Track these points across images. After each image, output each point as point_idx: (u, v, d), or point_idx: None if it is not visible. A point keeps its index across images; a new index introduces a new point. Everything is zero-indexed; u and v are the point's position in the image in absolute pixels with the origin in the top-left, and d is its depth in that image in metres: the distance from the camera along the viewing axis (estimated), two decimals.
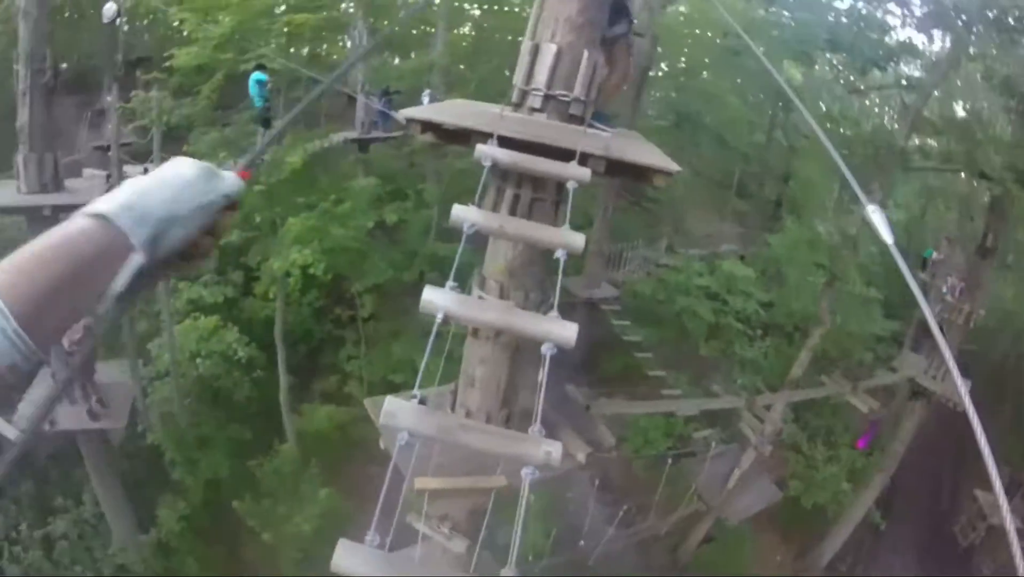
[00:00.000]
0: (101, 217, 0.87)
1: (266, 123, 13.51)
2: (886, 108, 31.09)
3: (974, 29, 12.54)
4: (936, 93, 15.29)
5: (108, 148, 11.67)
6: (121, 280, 0.88)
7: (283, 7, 12.75)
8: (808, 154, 23.61)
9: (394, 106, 17.23)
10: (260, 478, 11.91)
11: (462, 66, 25.80)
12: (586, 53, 4.44)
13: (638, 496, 14.82)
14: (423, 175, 16.82)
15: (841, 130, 19.82)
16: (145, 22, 20.78)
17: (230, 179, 1.05)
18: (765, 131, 25.28)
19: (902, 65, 17.39)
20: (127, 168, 10.62)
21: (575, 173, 3.34)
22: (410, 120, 4.01)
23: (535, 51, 4.52)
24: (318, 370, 15.31)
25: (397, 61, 28.97)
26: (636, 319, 16.91)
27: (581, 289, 15.20)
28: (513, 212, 4.39)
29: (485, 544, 5.12)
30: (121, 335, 11.61)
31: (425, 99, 18.18)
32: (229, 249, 13.85)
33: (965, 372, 15.67)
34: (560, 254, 3.13)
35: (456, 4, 22.83)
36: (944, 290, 19.71)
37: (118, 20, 9.59)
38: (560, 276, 3.09)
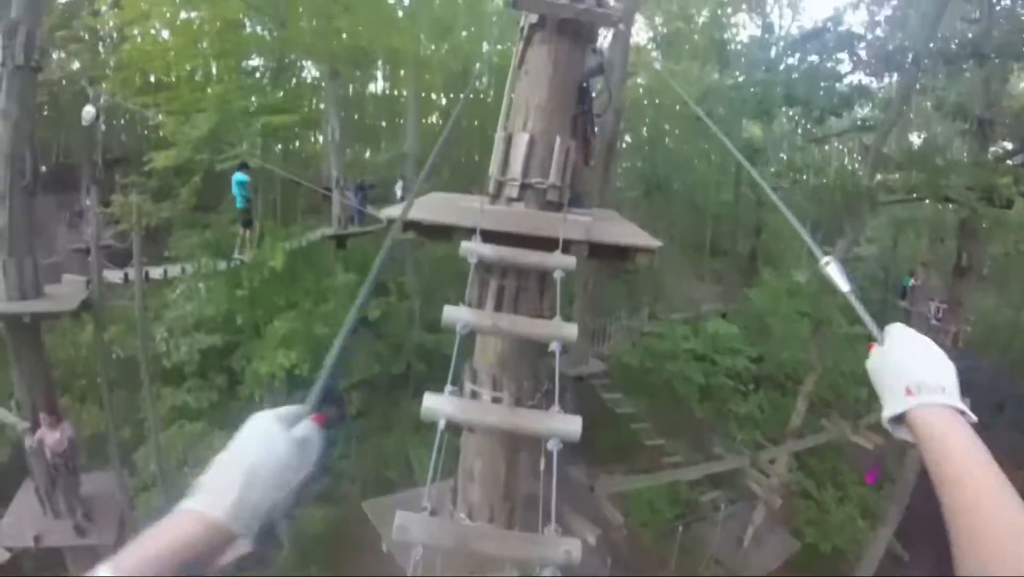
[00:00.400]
0: (214, 522, 0.95)
1: (247, 223, 13.70)
2: (845, 151, 32.35)
3: (921, 64, 13.14)
4: (892, 130, 15.88)
5: (88, 251, 11.68)
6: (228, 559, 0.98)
7: (257, 109, 13.08)
8: (775, 206, 24.19)
9: (369, 199, 17.55)
10: None
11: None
12: (558, 139, 4.57)
13: (651, 569, 14.32)
14: (402, 267, 16.96)
15: (805, 178, 20.48)
16: (123, 121, 21.17)
17: (312, 441, 1.13)
18: (732, 189, 25.98)
19: (857, 108, 18.14)
20: (107, 273, 10.55)
21: (561, 262, 3.38)
22: (391, 220, 4.04)
23: (508, 140, 4.65)
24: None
25: (368, 154, 29.77)
26: (627, 391, 16.83)
27: (569, 368, 15.12)
28: (499, 303, 4.40)
29: None
30: (105, 446, 11.29)
31: (398, 191, 18.57)
32: (212, 352, 13.70)
33: (961, 393, 15.69)
34: (555, 346, 3.11)
35: (424, 95, 23.66)
36: (928, 315, 19.98)
37: (98, 121, 9.71)
38: (557, 369, 3.01)
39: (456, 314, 3.24)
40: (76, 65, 13.49)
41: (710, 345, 17.20)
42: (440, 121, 31.21)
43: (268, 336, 11.09)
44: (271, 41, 12.82)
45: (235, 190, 13.47)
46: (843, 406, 15.98)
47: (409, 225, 4.06)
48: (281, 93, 16.86)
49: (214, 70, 16.34)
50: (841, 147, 31.36)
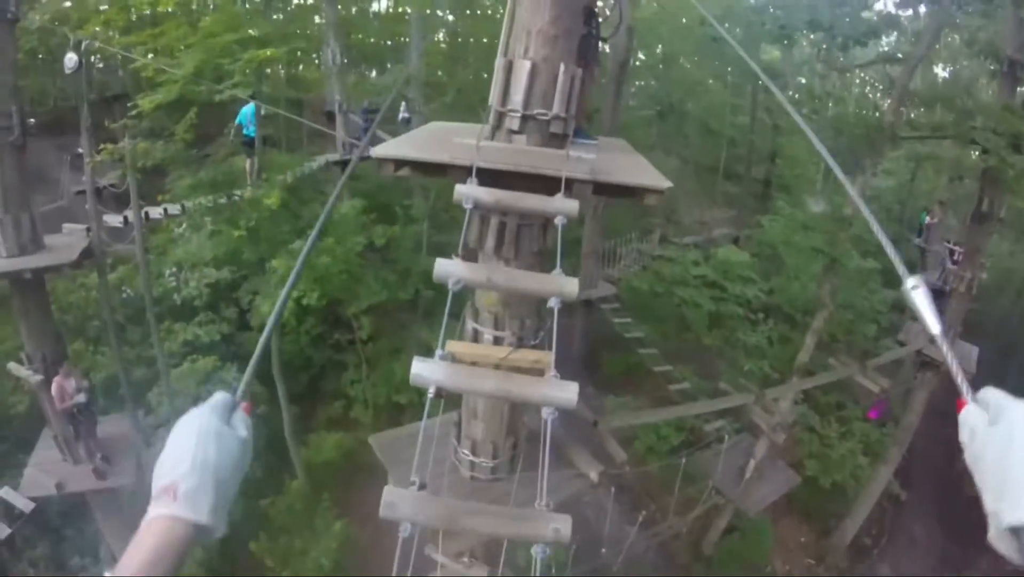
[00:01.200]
0: (202, 526, 1.07)
1: (250, 151, 13.65)
2: (868, 82, 31.06)
3: None
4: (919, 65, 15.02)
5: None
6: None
7: (248, 39, 12.39)
8: (793, 132, 23.54)
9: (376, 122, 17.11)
10: (273, 517, 11.69)
11: (440, 72, 25.75)
12: (562, 67, 4.21)
13: (655, 496, 14.72)
14: (409, 189, 16.65)
15: (830, 106, 19.67)
16: (119, 59, 20.57)
17: (249, 431, 1.28)
18: (748, 113, 25.15)
19: (884, 39, 17.23)
20: (106, 217, 10.47)
21: (563, 207, 3.17)
22: (380, 160, 3.83)
23: (509, 68, 4.29)
24: (322, 397, 15.13)
25: (374, 74, 28.88)
26: (636, 315, 16.80)
27: (579, 291, 15.07)
28: (500, 241, 4.22)
29: (505, 566, 5.02)
30: (119, 388, 11.48)
31: (403, 114, 18.11)
32: (221, 286, 13.71)
33: (971, 336, 15.64)
34: (554, 302, 2.93)
35: (428, 12, 22.65)
36: (943, 256, 19.62)
37: (82, 68, 9.39)
38: (555, 327, 2.80)
39: (448, 268, 3.05)
40: (67, 3, 12.75)
41: (721, 272, 17.05)
42: (446, 39, 30.16)
43: (269, 273, 11.01)
44: None
45: (243, 119, 13.39)
46: (851, 342, 15.94)
47: (400, 163, 3.85)
48: (279, 16, 16.15)
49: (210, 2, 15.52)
50: (865, 77, 30.09)
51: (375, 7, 26.09)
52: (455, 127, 5.29)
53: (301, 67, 26.35)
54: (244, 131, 13.57)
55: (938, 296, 18.74)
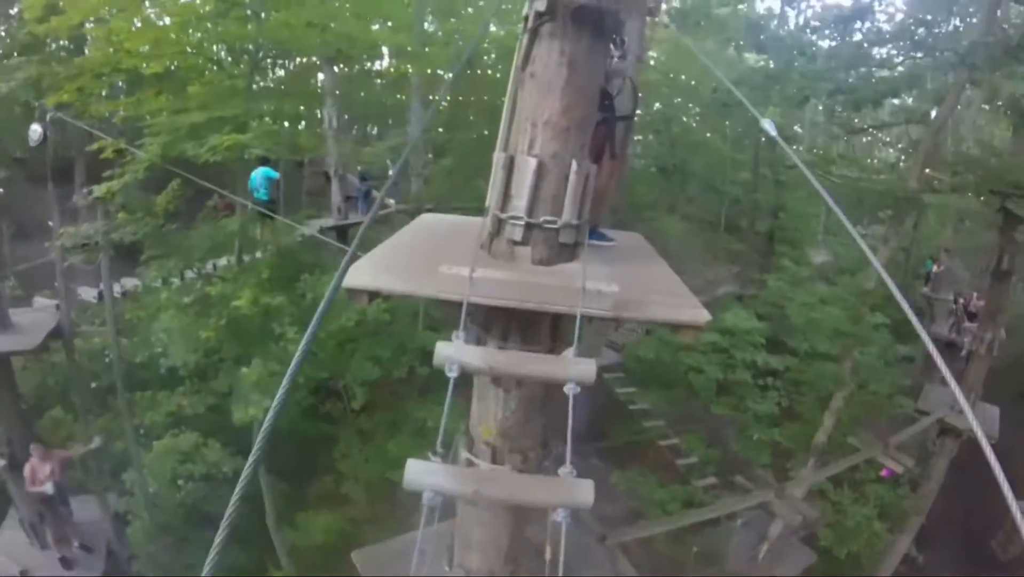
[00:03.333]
0: None
1: (270, 216, 12.79)
2: (883, 142, 31.08)
3: (981, 56, 12.08)
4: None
5: (83, 246, 11.03)
6: None
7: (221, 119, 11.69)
8: (796, 186, 23.41)
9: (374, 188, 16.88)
10: None
11: (440, 129, 25.75)
12: (574, 165, 3.49)
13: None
14: None
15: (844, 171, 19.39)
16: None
17: None
18: (751, 168, 25.05)
19: (902, 99, 16.99)
20: (80, 290, 10.07)
21: (576, 372, 2.61)
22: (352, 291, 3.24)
23: (510, 166, 3.57)
24: (312, 472, 14.42)
25: (375, 131, 28.91)
26: (641, 383, 16.27)
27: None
28: (506, 332, 3.65)
29: None
30: (99, 460, 10.88)
31: (391, 202, 17.39)
32: (210, 354, 13.10)
33: (988, 392, 15.11)
34: (570, 389, 2.53)
35: (429, 72, 22.69)
36: (952, 306, 19.18)
37: (47, 141, 9.04)
38: (571, 420, 2.42)
39: (448, 352, 2.60)
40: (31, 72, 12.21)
41: (728, 338, 16.53)
42: (448, 97, 30.26)
43: (243, 377, 10.29)
44: (251, 32, 11.69)
45: (255, 183, 12.86)
46: (872, 422, 15.34)
47: (376, 293, 3.21)
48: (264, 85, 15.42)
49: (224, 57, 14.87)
50: (879, 136, 30.14)
51: (377, 65, 26.19)
52: (450, 224, 4.81)
53: (303, 124, 26.34)
54: (255, 195, 12.99)
55: (950, 349, 18.20)
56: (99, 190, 10.02)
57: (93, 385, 12.97)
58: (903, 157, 27.26)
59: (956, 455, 14.15)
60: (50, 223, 11.51)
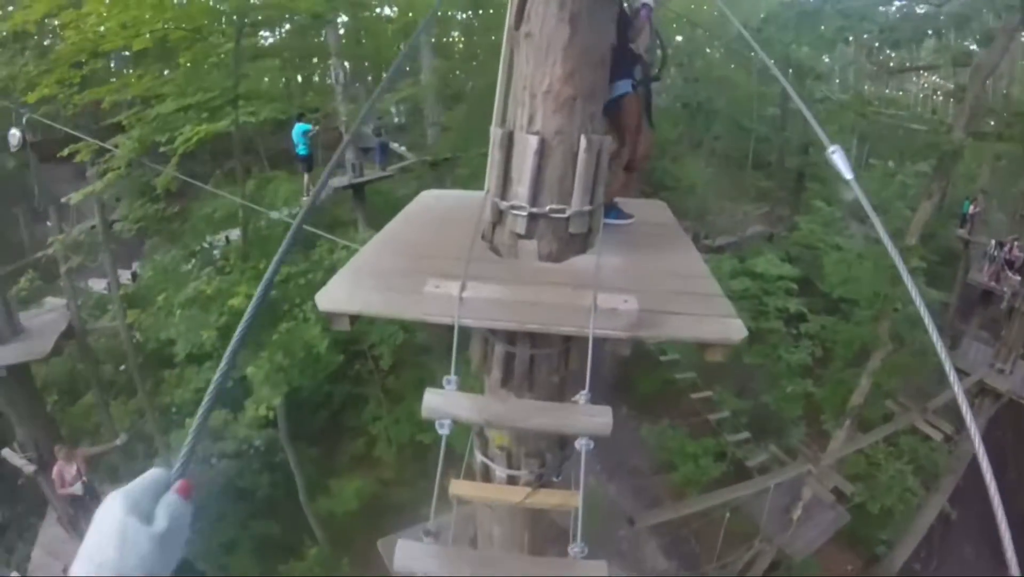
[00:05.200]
0: None
1: (309, 168, 13.81)
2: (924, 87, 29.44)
3: None
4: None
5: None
6: None
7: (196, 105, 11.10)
8: (827, 121, 22.29)
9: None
10: None
11: (457, 72, 25.03)
12: (583, 141, 2.91)
13: (700, 535, 13.79)
14: None
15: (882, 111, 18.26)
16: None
17: (179, 522, 0.98)
18: (778, 103, 23.92)
19: (944, 37, 15.73)
20: (91, 282, 9.96)
21: (589, 425, 2.28)
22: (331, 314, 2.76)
23: (508, 144, 3.00)
24: (343, 434, 14.53)
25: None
26: None
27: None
28: (508, 374, 3.30)
29: None
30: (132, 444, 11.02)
31: (376, 141, 16.76)
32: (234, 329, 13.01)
33: None
34: (582, 444, 2.28)
35: (440, 14, 21.79)
36: (990, 250, 18.32)
37: (26, 145, 8.72)
38: (583, 469, 2.25)
39: (438, 403, 2.38)
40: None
41: (759, 283, 15.96)
42: (461, 39, 29.20)
43: (251, 376, 10.12)
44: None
45: (297, 139, 13.34)
46: (909, 385, 14.82)
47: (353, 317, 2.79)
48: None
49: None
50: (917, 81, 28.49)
51: (387, 11, 25.28)
52: (451, 204, 4.36)
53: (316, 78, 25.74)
54: (296, 149, 13.62)
55: (987, 298, 17.42)
56: (76, 197, 9.79)
57: (121, 368, 13.04)
58: (944, 100, 25.76)
59: (992, 423, 13.76)
60: (48, 223, 11.36)
